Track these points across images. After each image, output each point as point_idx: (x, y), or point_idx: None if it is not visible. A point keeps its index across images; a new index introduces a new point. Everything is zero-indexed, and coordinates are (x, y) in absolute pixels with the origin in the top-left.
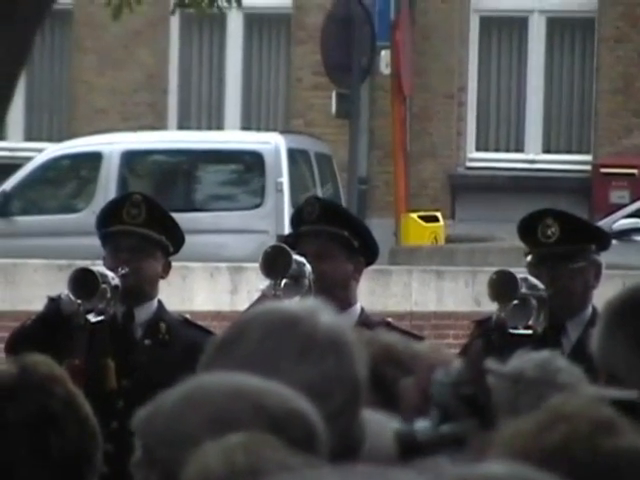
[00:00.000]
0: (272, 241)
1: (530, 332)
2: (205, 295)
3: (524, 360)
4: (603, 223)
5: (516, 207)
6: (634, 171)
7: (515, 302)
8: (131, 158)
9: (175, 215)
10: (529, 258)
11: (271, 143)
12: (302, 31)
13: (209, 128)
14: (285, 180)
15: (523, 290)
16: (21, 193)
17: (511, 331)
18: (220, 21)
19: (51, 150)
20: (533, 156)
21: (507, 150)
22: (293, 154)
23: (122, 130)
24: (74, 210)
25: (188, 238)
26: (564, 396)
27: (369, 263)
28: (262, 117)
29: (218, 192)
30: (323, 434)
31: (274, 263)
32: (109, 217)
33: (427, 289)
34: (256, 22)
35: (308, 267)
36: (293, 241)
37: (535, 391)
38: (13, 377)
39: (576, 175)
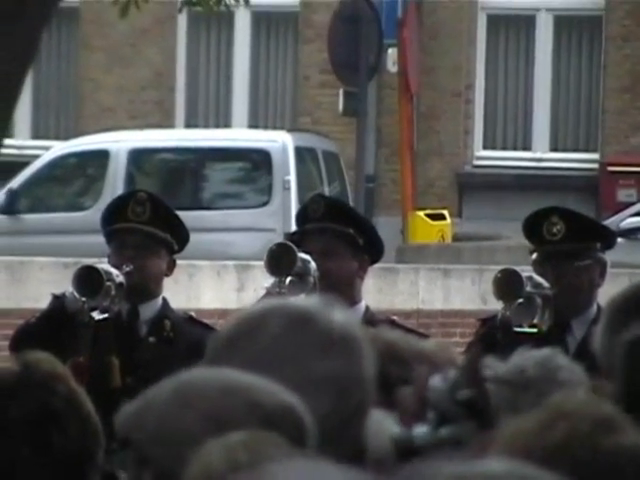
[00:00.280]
0: (279, 239)
1: (535, 330)
2: (212, 293)
3: (524, 358)
4: (610, 221)
5: (523, 205)
6: None
7: (520, 300)
8: (138, 156)
9: (182, 213)
10: (534, 256)
11: (278, 141)
12: (309, 29)
13: (216, 126)
14: (292, 178)
15: (528, 288)
16: (28, 191)
17: (516, 329)
18: (227, 19)
19: (58, 148)
20: (540, 154)
21: (514, 148)
22: (300, 152)
23: (129, 128)
24: (81, 208)
25: (195, 236)
26: (565, 394)
27: (374, 261)
28: (269, 115)
29: (225, 190)
30: (312, 430)
31: (279, 261)
32: (114, 215)
33: (434, 287)
34: (263, 20)
35: (313, 265)
36: (298, 239)
37: (535, 389)
38: (15, 375)
39: (583, 173)
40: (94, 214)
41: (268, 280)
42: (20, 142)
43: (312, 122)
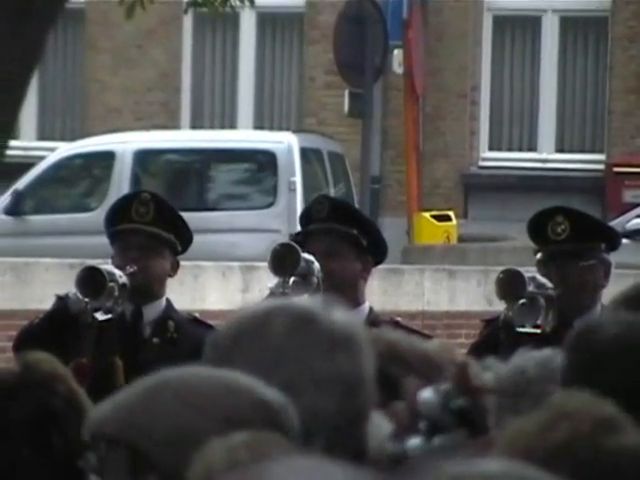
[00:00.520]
0: (285, 240)
1: (538, 331)
2: (217, 294)
3: (525, 359)
4: (616, 222)
5: (529, 206)
6: None
7: (523, 301)
8: (144, 157)
9: (188, 214)
10: (539, 256)
11: (284, 142)
12: (315, 30)
13: (222, 127)
14: (298, 179)
15: (531, 289)
16: (34, 192)
17: (519, 330)
18: (233, 20)
19: (64, 149)
20: (546, 155)
21: (520, 149)
22: (306, 153)
23: (135, 129)
24: (87, 209)
25: (201, 237)
26: (566, 394)
27: (378, 262)
28: (275, 116)
29: (231, 191)
30: (297, 430)
31: (283, 261)
32: (118, 215)
33: (439, 288)
34: (269, 21)
35: (317, 265)
36: (302, 239)
37: (536, 390)
38: (15, 375)
39: (589, 174)
40: (100, 215)
41: (272, 280)
42: (26, 143)
43: (317, 123)
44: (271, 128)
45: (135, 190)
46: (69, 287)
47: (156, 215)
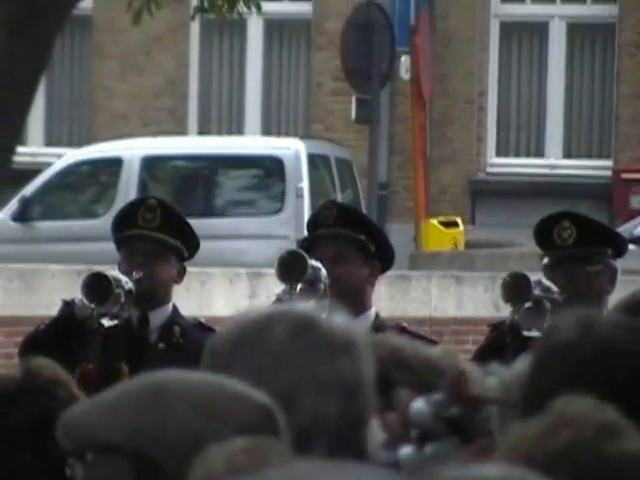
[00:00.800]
0: (292, 247)
1: None
2: (224, 301)
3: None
4: (623, 229)
5: (536, 212)
6: None
7: (529, 304)
8: (151, 163)
9: (195, 220)
10: (545, 260)
11: (291, 148)
12: (322, 37)
13: (229, 133)
14: (305, 185)
15: (537, 292)
16: (41, 198)
17: (525, 333)
18: (240, 26)
19: (71, 155)
20: (553, 161)
21: (527, 155)
22: (313, 159)
23: (142, 135)
24: (94, 215)
25: (208, 244)
26: (567, 400)
27: (385, 268)
28: (282, 122)
29: (238, 198)
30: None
31: (290, 268)
32: (124, 221)
33: (447, 294)
34: (276, 28)
35: (324, 272)
36: (309, 245)
37: None
38: (16, 381)
39: (596, 180)
40: (107, 221)
41: (279, 287)
42: (33, 149)
43: (325, 129)
44: (278, 134)
45: (142, 196)
46: (76, 294)
47: (163, 221)
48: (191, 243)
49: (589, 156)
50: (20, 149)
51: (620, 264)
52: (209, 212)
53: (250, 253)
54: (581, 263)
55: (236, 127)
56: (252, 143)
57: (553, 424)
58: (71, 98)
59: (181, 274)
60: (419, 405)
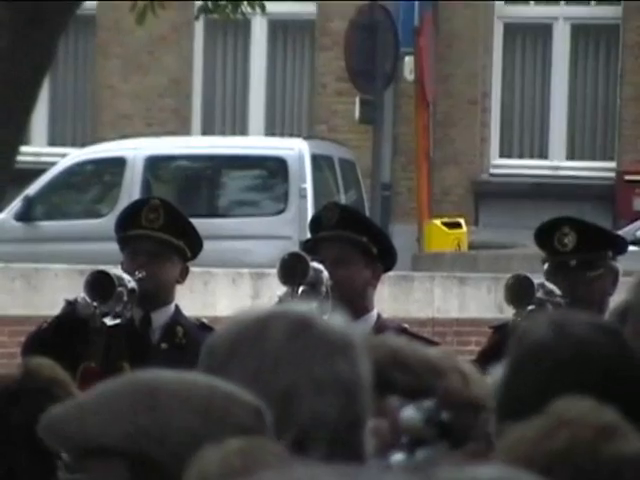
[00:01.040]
0: (295, 247)
1: None
2: (227, 301)
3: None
4: (626, 230)
5: (539, 214)
6: None
7: (532, 307)
8: (155, 163)
9: (198, 221)
10: (546, 266)
11: (295, 149)
12: (326, 37)
13: (233, 134)
14: (309, 186)
15: (540, 295)
16: (45, 198)
17: None
18: (244, 27)
19: (75, 155)
20: (557, 163)
21: (531, 157)
22: (317, 160)
23: (146, 135)
24: (98, 215)
25: (211, 244)
26: (566, 401)
27: (387, 269)
28: (286, 123)
29: (241, 198)
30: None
31: (291, 270)
32: (127, 221)
33: (450, 295)
34: (280, 28)
35: (325, 274)
36: (311, 246)
37: None
38: (16, 381)
39: (600, 182)
40: (110, 221)
41: (281, 289)
42: (37, 149)
43: (328, 130)
44: (282, 135)
45: (145, 196)
46: (79, 293)
47: (166, 221)
48: (194, 243)
49: (593, 157)
50: (24, 149)
51: (620, 265)
52: (212, 212)
53: (253, 253)
54: (582, 268)
55: (240, 127)
56: (256, 143)
57: (551, 425)
58: (75, 98)
59: (184, 274)
60: (409, 412)
